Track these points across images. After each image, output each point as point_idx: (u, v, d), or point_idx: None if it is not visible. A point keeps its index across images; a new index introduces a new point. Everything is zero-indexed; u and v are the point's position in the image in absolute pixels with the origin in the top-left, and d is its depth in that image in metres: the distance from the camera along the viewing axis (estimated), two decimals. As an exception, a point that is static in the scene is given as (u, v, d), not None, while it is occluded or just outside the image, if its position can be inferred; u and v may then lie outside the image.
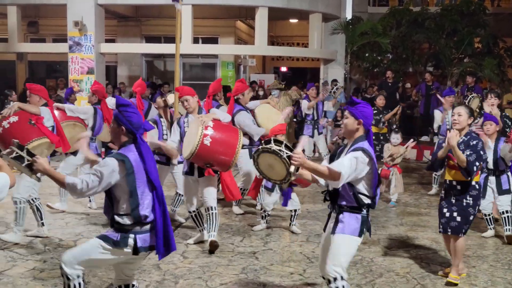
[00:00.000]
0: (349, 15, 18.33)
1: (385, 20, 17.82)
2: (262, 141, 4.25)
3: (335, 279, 4.34)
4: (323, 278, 4.69)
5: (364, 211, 4.39)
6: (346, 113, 4.43)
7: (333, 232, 4.41)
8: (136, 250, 4.16)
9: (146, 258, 6.21)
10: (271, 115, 8.46)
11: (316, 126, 11.65)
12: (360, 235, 4.38)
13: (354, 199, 4.35)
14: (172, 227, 4.34)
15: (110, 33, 17.21)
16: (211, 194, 6.57)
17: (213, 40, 18.16)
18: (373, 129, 10.37)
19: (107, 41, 15.65)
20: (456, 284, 5.60)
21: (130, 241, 4.14)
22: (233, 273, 5.88)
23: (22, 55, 18.23)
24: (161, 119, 7.50)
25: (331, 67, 17.15)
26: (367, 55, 18.14)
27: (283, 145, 4.09)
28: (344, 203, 4.41)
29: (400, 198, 9.61)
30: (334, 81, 15.62)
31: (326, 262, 4.41)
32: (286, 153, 4.03)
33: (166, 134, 7.41)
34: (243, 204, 8.70)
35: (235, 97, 8.07)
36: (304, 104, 11.63)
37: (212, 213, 6.54)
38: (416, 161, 13.78)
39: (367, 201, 4.38)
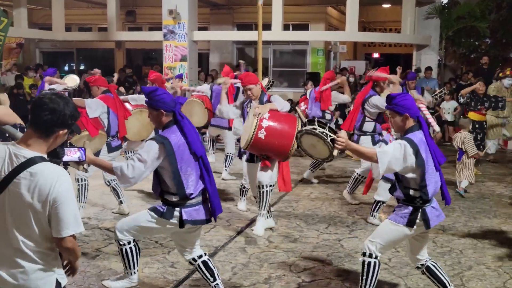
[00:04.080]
0: (444, -1, 17.66)
1: (484, 3, 16.98)
2: (306, 121, 4.29)
3: (364, 254, 4.54)
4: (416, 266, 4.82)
5: (418, 204, 4.37)
6: (389, 112, 4.47)
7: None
8: (181, 223, 4.43)
9: (232, 241, 6.40)
10: None
11: None
12: (408, 225, 4.39)
13: (403, 192, 4.43)
14: (218, 196, 4.60)
15: (202, 21, 17.60)
16: (265, 174, 6.45)
17: (304, 27, 18.10)
18: (474, 117, 10.05)
19: (199, 29, 16.01)
20: None
21: (176, 214, 4.43)
22: (318, 260, 5.92)
23: (120, 43, 19.03)
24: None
25: (424, 53, 16.63)
26: (463, 40, 17.42)
27: (327, 128, 4.09)
28: (397, 195, 4.51)
29: (494, 189, 9.25)
30: (428, 69, 15.15)
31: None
32: (330, 136, 4.04)
33: None
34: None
35: (374, 83, 7.96)
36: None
37: (263, 191, 6.46)
38: (513, 151, 13.16)
39: (416, 194, 4.36)
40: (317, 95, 9.43)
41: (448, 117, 13.75)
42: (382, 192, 7.08)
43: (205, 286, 5.14)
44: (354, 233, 6.87)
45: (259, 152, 6.38)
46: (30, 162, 2.72)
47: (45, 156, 2.81)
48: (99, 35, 18.10)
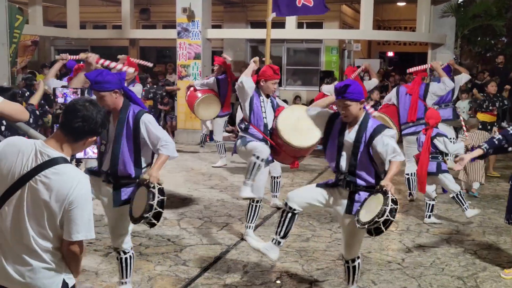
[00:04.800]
0: (460, -4, 17.51)
1: (501, 2, 16.81)
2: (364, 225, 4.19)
3: (347, 261, 4.73)
4: None
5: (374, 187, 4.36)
6: (346, 102, 4.29)
7: (348, 211, 4.46)
8: None
9: (244, 240, 6.38)
10: None
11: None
12: None
13: (375, 177, 4.37)
14: None
15: (216, 19, 17.58)
16: (263, 189, 6.30)
17: (318, 25, 18.02)
18: (486, 118, 9.95)
19: (213, 27, 15.99)
20: None
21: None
22: (330, 259, 5.89)
23: (134, 41, 19.08)
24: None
25: (439, 52, 16.47)
26: (479, 39, 17.25)
27: (388, 205, 3.99)
28: (361, 182, 4.38)
29: (508, 188, 9.13)
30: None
31: (345, 245, 4.76)
32: (390, 206, 4.00)
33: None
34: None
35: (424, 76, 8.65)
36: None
37: (257, 205, 6.28)
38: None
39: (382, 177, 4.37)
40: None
41: (464, 116, 13.61)
42: (452, 184, 7.21)
43: (217, 285, 5.15)
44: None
45: (303, 154, 6.22)
46: (53, 161, 2.75)
47: (68, 158, 2.84)
48: (113, 33, 18.15)
